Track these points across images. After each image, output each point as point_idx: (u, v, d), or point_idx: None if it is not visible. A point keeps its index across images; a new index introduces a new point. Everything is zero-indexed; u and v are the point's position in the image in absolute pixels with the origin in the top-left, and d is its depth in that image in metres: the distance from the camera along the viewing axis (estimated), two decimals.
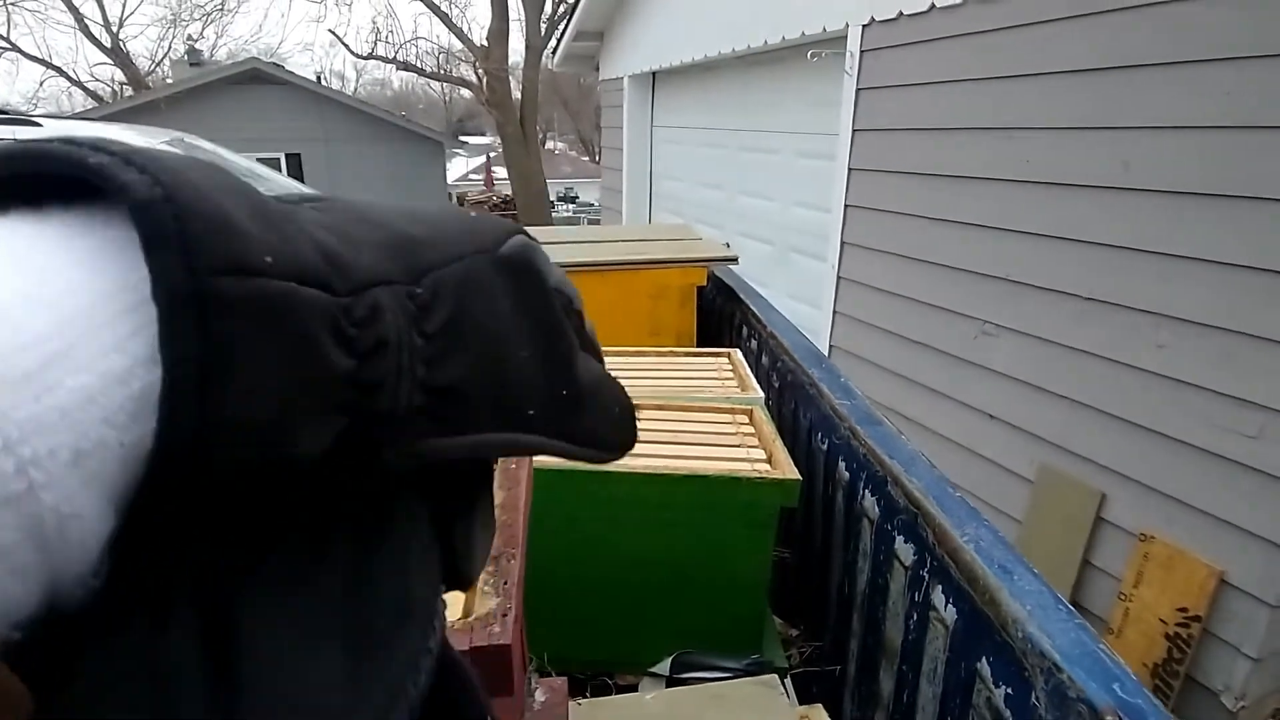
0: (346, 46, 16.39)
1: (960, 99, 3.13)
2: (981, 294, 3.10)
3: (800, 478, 1.30)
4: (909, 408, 3.48)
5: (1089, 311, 2.59)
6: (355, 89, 28.37)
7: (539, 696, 1.03)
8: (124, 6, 23.51)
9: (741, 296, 2.27)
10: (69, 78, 19.77)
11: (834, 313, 4.09)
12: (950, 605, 1.02)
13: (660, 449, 1.40)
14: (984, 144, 3.03)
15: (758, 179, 5.36)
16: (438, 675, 0.25)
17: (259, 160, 5.94)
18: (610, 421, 0.28)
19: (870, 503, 1.31)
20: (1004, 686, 0.90)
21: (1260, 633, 2.04)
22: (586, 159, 31.27)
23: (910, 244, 3.49)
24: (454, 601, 0.62)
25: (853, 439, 1.39)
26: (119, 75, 19.68)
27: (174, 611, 0.17)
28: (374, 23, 26.93)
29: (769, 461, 1.38)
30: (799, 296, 4.56)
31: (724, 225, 5.67)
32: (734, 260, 2.36)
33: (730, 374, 1.80)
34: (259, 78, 13.32)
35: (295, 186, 6.15)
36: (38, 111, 15.23)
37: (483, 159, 26.58)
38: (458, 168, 26.16)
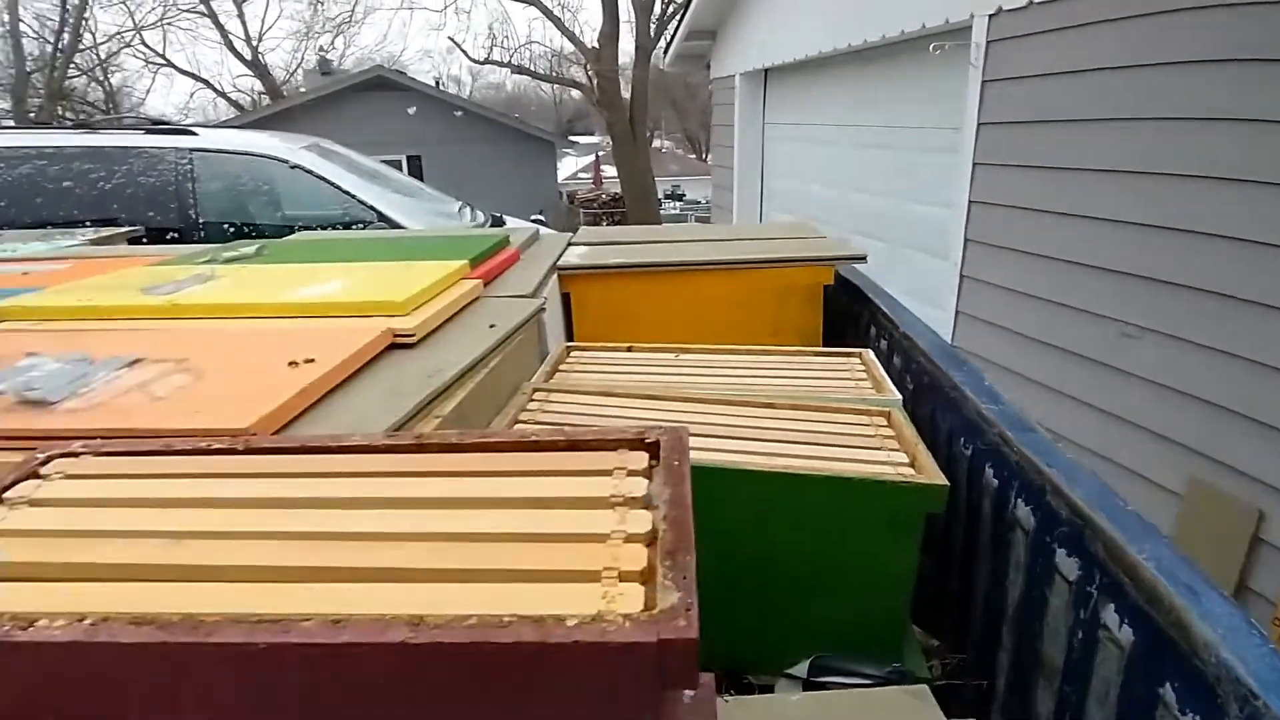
0: (465, 52, 16.99)
1: (1098, 88, 2.95)
2: (1121, 293, 2.91)
3: (948, 483, 1.26)
4: (1038, 412, 3.30)
5: (1239, 312, 2.38)
6: (470, 92, 29.47)
7: (687, 692, 1.04)
8: (263, 22, 25.23)
9: (870, 295, 2.21)
10: (215, 89, 21.58)
11: (956, 312, 3.94)
12: (1126, 625, 0.96)
13: (798, 449, 1.39)
14: (1125, 135, 2.84)
15: (872, 175, 5.22)
16: None
17: (382, 162, 6.28)
18: None
19: (1024, 512, 1.25)
20: (1191, 714, 0.85)
21: None
22: (693, 157, 31.34)
23: (1041, 241, 3.32)
24: (634, 595, 0.62)
25: (1002, 445, 1.34)
26: (258, 85, 21.29)
27: None
28: (490, 28, 27.87)
29: (912, 465, 1.34)
30: (915, 294, 4.40)
31: (835, 222, 5.56)
32: (862, 259, 2.30)
33: (863, 375, 1.76)
34: (383, 84, 14.10)
35: (416, 185, 6.47)
36: (188, 121, 16.68)
37: (591, 158, 27.12)
38: (567, 166, 26.83)
